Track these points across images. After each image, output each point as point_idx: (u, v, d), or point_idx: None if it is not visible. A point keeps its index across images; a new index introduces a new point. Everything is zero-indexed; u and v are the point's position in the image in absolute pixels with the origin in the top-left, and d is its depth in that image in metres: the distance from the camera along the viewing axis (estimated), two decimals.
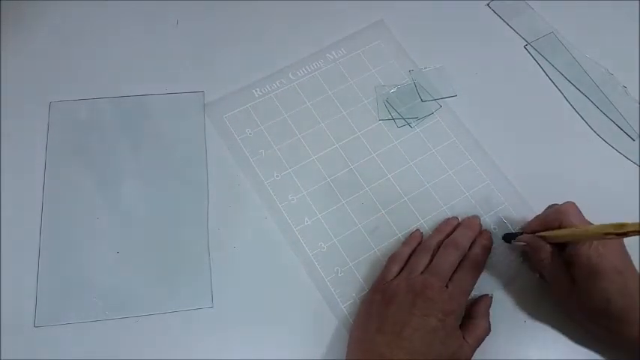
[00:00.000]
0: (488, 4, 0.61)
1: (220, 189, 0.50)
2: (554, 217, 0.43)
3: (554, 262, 0.43)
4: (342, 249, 0.48)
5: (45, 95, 0.53)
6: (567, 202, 0.44)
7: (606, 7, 0.61)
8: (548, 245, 0.43)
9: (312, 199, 0.50)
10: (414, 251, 0.46)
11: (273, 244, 0.48)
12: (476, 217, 0.49)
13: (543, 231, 0.44)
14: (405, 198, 0.50)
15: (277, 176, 0.51)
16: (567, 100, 0.56)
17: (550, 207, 0.46)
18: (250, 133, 0.53)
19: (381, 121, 0.54)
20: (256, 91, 0.55)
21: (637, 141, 0.54)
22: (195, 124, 0.53)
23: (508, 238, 0.48)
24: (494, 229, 0.50)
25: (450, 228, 0.48)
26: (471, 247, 0.45)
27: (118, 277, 0.46)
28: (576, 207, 0.43)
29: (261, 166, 0.51)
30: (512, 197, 0.51)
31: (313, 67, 0.56)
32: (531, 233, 0.45)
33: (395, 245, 0.48)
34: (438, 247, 0.45)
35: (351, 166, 0.52)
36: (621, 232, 0.35)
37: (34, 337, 0.44)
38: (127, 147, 0.52)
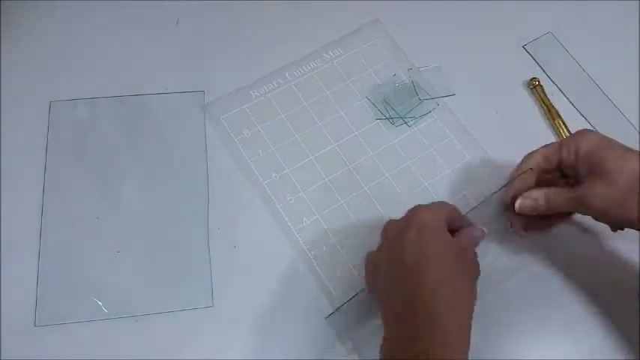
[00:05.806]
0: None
1: (220, 189, 0.50)
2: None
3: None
4: (342, 250, 0.48)
5: (45, 95, 0.53)
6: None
7: (606, 7, 0.61)
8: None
9: (311, 199, 0.50)
10: None
11: (274, 243, 0.48)
12: None
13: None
14: (404, 197, 0.50)
15: (275, 176, 0.51)
16: (567, 97, 0.56)
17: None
18: (248, 134, 0.53)
19: (378, 121, 0.54)
20: (253, 91, 0.55)
21: (637, 138, 0.54)
22: (195, 123, 0.53)
23: None
24: None
25: None
26: None
27: (118, 277, 0.46)
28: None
29: (259, 167, 0.51)
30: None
31: (310, 67, 0.56)
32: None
33: None
34: None
35: (349, 166, 0.52)
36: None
37: (34, 337, 0.44)
38: (127, 147, 0.52)
